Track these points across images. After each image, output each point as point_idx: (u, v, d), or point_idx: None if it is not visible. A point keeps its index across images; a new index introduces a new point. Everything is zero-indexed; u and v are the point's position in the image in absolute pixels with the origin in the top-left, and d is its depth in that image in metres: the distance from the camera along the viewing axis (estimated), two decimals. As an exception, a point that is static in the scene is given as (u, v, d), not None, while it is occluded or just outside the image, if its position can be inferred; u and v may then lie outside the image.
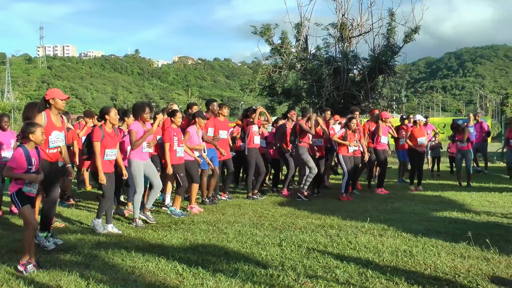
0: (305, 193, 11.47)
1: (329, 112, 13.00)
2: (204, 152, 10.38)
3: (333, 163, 14.50)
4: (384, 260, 5.98)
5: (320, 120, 11.99)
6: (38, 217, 7.23)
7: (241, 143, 12.17)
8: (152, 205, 9.48)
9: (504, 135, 17.08)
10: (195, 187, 10.06)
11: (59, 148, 7.33)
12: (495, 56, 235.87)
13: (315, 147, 11.90)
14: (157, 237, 7.51)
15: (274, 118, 14.21)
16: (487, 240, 6.57)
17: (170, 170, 9.25)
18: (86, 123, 12.48)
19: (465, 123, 15.68)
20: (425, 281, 5.18)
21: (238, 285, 5.14)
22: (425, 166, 16.24)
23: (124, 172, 8.42)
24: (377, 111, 13.91)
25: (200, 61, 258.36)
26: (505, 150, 16.87)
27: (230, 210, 10.09)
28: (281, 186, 12.91)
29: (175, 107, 10.82)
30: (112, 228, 8.03)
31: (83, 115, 13.55)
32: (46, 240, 7.06)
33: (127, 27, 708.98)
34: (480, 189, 12.83)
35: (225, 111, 11.48)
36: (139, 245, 6.99)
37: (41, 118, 7.03)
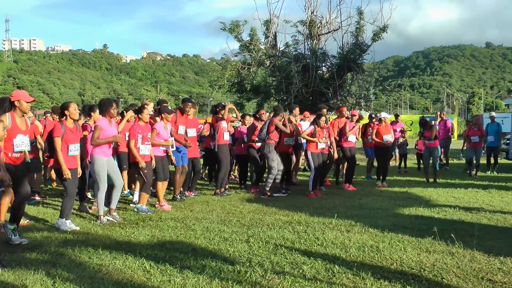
0: (268, 194, 11.44)
1: (298, 109, 13.02)
2: (172, 148, 10.30)
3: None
4: (351, 256, 6.00)
5: (293, 119, 12.02)
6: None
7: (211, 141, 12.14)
8: (119, 202, 9.39)
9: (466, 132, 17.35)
10: (162, 184, 9.98)
11: (23, 153, 7.22)
12: (462, 56, 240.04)
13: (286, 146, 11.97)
14: (124, 234, 7.41)
15: (242, 114, 14.18)
16: (452, 235, 6.67)
17: (142, 163, 9.17)
18: (53, 119, 12.28)
19: (433, 121, 15.87)
20: (391, 276, 5.22)
21: (205, 282, 5.10)
22: (392, 163, 16.44)
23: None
24: (345, 109, 13.96)
25: (169, 57, 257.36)
26: (465, 147, 17.15)
27: (198, 206, 10.01)
28: (249, 183, 12.91)
29: (151, 104, 10.75)
30: (69, 224, 7.91)
31: (50, 111, 13.35)
32: (13, 233, 6.95)
33: (96, 22, 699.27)
34: (446, 185, 13.00)
35: (193, 110, 11.44)
36: (106, 242, 6.90)
37: (5, 118, 6.92)
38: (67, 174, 7.65)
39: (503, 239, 6.82)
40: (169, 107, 10.55)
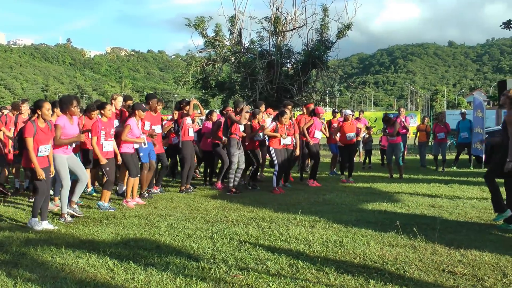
0: (233, 190, 11.45)
1: (263, 106, 13.02)
2: (145, 145, 10.20)
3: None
4: (315, 251, 6.02)
5: (261, 115, 12.02)
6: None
7: (174, 137, 12.06)
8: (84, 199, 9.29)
9: (432, 129, 17.63)
10: (134, 180, 9.89)
11: None
12: (425, 54, 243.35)
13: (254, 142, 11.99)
14: (88, 233, 7.30)
15: (207, 111, 14.12)
16: (415, 229, 6.76)
17: (103, 160, 9.05)
18: (13, 114, 12.00)
19: (395, 117, 16.06)
20: (354, 270, 5.25)
21: (169, 279, 5.07)
22: (357, 159, 16.56)
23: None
24: (312, 106, 14.01)
25: (133, 53, 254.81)
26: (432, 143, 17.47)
27: (163, 203, 9.95)
28: (215, 179, 12.88)
29: (119, 98, 10.64)
30: (47, 225, 7.76)
31: (5, 107, 13.06)
32: None
33: (59, 15, 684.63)
34: (409, 180, 13.16)
35: (160, 107, 11.35)
36: (69, 241, 6.77)
37: None
38: (41, 175, 7.52)
39: (463, 232, 6.94)
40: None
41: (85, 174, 8.73)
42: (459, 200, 9.86)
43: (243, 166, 11.60)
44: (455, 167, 16.62)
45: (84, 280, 5.07)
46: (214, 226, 7.55)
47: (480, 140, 15.83)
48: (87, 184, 10.31)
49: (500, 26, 25.31)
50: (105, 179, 9.46)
